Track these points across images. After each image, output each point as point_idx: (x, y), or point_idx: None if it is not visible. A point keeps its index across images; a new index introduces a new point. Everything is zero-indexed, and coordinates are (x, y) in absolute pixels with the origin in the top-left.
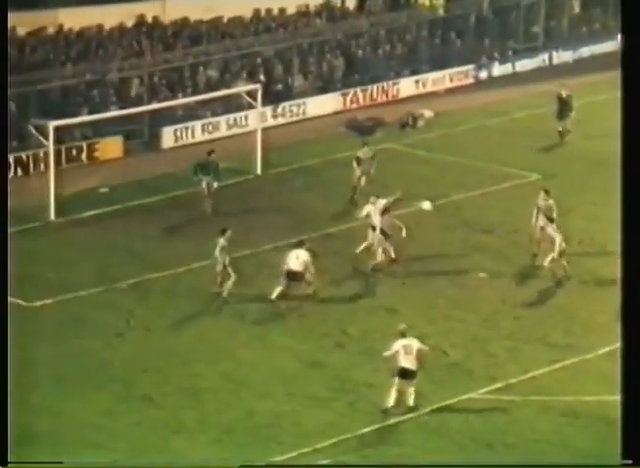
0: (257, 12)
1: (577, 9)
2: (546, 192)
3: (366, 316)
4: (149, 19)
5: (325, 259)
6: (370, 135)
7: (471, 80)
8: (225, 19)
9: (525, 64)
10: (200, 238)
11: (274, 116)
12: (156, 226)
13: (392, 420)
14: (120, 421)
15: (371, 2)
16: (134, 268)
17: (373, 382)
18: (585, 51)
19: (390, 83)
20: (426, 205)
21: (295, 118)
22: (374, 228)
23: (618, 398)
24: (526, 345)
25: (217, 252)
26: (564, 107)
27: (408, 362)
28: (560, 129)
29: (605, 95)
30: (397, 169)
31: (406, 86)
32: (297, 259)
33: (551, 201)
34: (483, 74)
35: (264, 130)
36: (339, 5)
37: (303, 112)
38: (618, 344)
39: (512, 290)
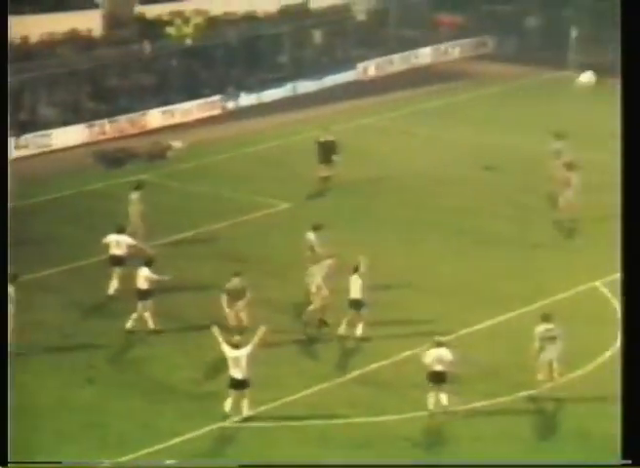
0: None
1: (318, 39)
2: (316, 228)
3: (117, 347)
4: None
5: (78, 292)
6: (119, 166)
7: (219, 110)
8: None
9: (272, 94)
10: None
11: (18, 147)
12: None
13: (141, 452)
14: None
15: (119, 31)
16: None
17: (122, 413)
18: (328, 80)
19: (139, 114)
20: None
21: (40, 149)
22: None
23: (369, 419)
24: (280, 372)
25: None
26: (325, 152)
27: (234, 372)
28: (323, 174)
29: (349, 123)
30: (150, 201)
31: (154, 117)
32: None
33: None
34: (231, 104)
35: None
36: (84, 34)
37: (49, 143)
38: (372, 365)
39: (266, 317)
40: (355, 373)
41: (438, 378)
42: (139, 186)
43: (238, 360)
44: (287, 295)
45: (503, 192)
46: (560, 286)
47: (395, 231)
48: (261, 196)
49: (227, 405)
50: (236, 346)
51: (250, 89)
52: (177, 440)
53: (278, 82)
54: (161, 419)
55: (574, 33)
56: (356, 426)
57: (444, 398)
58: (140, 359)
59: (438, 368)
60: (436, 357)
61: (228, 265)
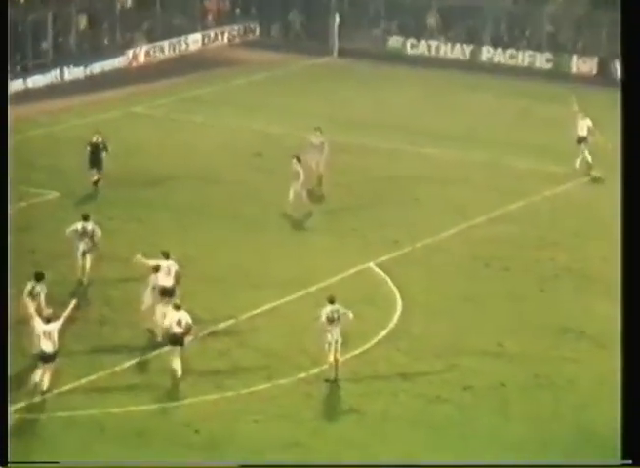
0: None
1: (84, 25)
2: (85, 218)
3: None
4: None
5: None
6: None
7: None
8: None
9: (36, 80)
10: None
11: None
12: None
13: None
14: None
15: None
16: None
17: None
18: (96, 67)
19: None
20: None
21: None
22: None
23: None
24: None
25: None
26: (95, 155)
27: (45, 345)
28: (94, 178)
29: (118, 111)
30: None
31: None
32: None
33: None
34: None
35: None
36: None
37: None
38: (154, 352)
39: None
40: (133, 361)
41: (176, 340)
42: None
43: (49, 333)
44: (57, 286)
45: (273, 178)
46: (334, 268)
47: (169, 220)
48: (28, 185)
49: (37, 376)
50: (47, 320)
51: (13, 75)
52: None
53: (43, 68)
54: None
55: (336, 20)
56: (134, 414)
57: (177, 362)
58: None
59: (177, 330)
60: (175, 319)
61: None
